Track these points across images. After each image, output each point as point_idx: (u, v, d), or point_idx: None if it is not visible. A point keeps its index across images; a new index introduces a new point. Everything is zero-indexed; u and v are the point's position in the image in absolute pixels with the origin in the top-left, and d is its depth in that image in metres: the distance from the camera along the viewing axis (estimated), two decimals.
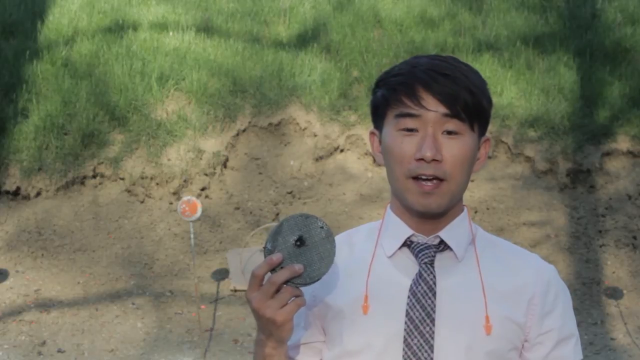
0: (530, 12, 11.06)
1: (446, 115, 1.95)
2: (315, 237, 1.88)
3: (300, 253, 1.87)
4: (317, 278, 1.88)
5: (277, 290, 1.87)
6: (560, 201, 9.56)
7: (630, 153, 9.83)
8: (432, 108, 1.94)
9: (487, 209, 9.37)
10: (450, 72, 1.96)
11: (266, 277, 1.89)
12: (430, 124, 1.95)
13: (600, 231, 9.35)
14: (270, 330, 1.89)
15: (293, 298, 1.88)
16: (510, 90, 9.93)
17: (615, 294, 8.76)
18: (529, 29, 10.80)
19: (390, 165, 1.99)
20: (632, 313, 8.62)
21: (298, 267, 1.85)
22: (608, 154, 9.81)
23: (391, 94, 1.98)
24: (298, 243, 1.88)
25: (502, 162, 9.73)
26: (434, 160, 1.94)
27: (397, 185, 1.99)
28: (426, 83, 1.95)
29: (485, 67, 9.85)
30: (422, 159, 1.94)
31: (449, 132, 1.96)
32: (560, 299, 2.04)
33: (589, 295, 8.78)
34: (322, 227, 1.88)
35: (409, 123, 1.96)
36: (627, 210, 9.47)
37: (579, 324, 2.07)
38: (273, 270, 1.87)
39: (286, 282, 1.86)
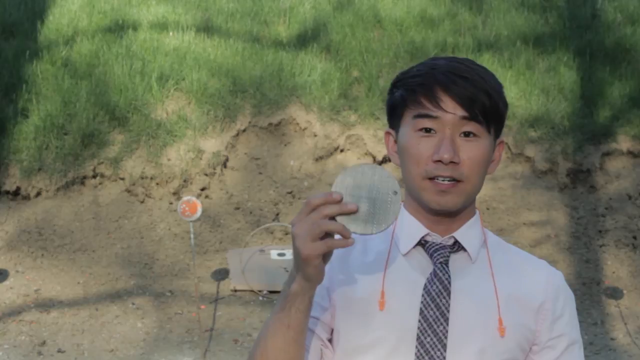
0: (530, 12, 11.07)
1: (464, 117, 1.96)
2: (384, 195, 1.81)
3: (363, 203, 1.80)
4: (368, 233, 1.80)
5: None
6: (560, 201, 9.56)
7: (630, 153, 9.84)
8: (451, 110, 1.95)
9: (487, 209, 9.38)
10: (468, 74, 1.98)
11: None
12: (448, 126, 1.96)
13: (600, 231, 9.35)
14: (298, 262, 1.83)
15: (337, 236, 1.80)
16: (510, 90, 9.93)
17: (615, 294, 8.77)
18: (529, 29, 10.80)
19: (407, 165, 2.00)
20: (632, 313, 8.62)
21: (351, 206, 1.78)
22: (608, 154, 9.82)
23: (409, 95, 1.99)
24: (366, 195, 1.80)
25: (502, 162, 9.74)
26: (451, 162, 1.94)
27: (414, 184, 2.00)
28: (445, 85, 1.96)
29: (485, 67, 9.84)
30: (439, 161, 1.94)
31: (467, 134, 1.97)
32: (569, 305, 2.07)
33: (589, 295, 8.78)
34: (395, 192, 1.81)
35: (427, 124, 1.97)
36: (627, 210, 9.47)
37: (579, 324, 2.09)
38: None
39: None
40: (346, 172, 1.83)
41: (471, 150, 1.96)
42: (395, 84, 2.04)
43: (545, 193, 9.60)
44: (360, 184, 1.82)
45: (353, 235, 1.80)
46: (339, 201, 1.79)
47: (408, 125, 1.99)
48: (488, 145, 2.00)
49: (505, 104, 2.03)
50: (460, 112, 1.96)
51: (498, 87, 2.01)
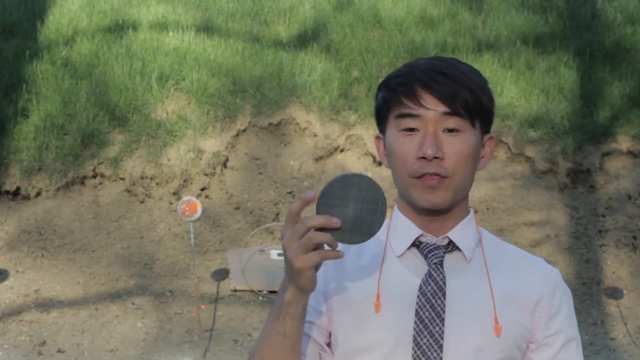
0: (530, 12, 11.07)
1: (446, 113, 1.95)
2: (369, 205, 1.82)
3: (349, 213, 1.81)
4: (353, 243, 1.82)
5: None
6: (560, 201, 9.56)
7: (630, 153, 9.84)
8: (432, 107, 1.95)
9: (487, 209, 9.38)
10: (449, 71, 1.97)
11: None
12: (430, 123, 1.95)
13: (600, 231, 9.35)
14: (290, 273, 1.84)
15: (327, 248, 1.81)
16: (510, 90, 9.94)
17: (615, 294, 8.77)
18: (529, 29, 10.80)
19: (394, 166, 2.00)
20: (632, 313, 8.62)
21: (335, 221, 1.79)
22: (608, 154, 9.82)
23: (391, 96, 1.99)
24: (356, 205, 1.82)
25: (502, 162, 9.74)
26: (435, 157, 1.94)
27: (402, 184, 2.00)
28: (425, 82, 1.95)
29: (485, 67, 9.85)
30: (424, 158, 1.94)
31: (450, 130, 1.96)
32: (565, 302, 2.06)
33: (589, 295, 8.78)
34: (381, 203, 1.83)
35: (410, 123, 1.96)
36: (627, 210, 9.47)
37: (579, 324, 2.09)
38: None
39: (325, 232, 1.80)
40: (332, 182, 1.83)
41: (455, 146, 1.96)
42: (379, 87, 2.04)
43: (545, 193, 9.60)
44: (346, 194, 1.82)
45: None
46: (312, 200, 1.79)
47: (392, 126, 1.99)
48: (474, 140, 1.99)
49: (490, 99, 2.03)
50: (442, 108, 1.95)
51: (481, 82, 2.00)
